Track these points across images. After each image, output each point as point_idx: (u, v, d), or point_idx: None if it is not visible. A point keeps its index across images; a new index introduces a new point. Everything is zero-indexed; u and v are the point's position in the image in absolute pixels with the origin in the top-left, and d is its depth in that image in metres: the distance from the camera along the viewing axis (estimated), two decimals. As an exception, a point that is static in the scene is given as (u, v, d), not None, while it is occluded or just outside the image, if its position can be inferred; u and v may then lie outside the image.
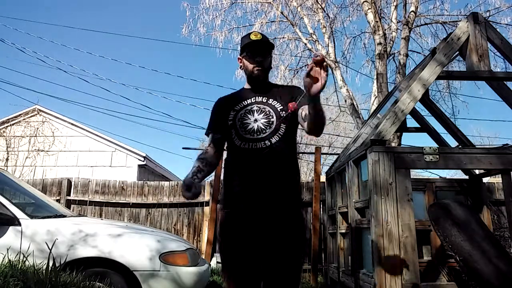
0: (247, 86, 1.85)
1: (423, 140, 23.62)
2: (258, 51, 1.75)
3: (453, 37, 3.42)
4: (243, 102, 1.76)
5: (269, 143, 1.64)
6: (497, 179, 6.13)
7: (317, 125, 1.50)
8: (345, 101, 8.15)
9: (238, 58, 1.83)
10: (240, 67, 1.83)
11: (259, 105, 1.73)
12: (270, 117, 1.69)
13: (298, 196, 1.73)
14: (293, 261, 1.62)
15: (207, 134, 1.83)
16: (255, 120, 1.69)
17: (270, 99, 1.75)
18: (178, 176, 13.61)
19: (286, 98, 1.74)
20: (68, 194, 6.10)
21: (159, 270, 2.71)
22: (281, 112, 1.70)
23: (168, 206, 6.09)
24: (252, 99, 1.76)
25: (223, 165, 1.82)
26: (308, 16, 8.99)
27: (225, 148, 1.84)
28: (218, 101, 1.86)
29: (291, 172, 1.70)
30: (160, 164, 10.93)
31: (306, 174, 17.66)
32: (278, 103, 1.73)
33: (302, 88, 1.71)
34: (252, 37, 1.75)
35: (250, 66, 1.76)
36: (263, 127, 1.67)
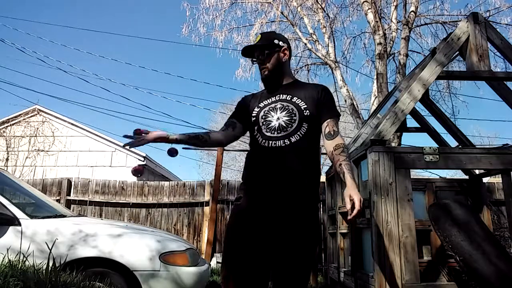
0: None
1: (423, 140, 23.64)
2: (254, 55, 1.81)
3: (453, 37, 3.42)
4: (268, 100, 1.78)
5: (288, 142, 1.63)
6: (497, 179, 6.13)
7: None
8: (345, 101, 8.15)
9: None
10: None
11: (283, 103, 1.73)
12: (293, 115, 1.69)
13: (316, 197, 1.70)
14: (305, 263, 1.59)
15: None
16: (278, 118, 1.69)
17: (295, 97, 1.74)
18: (178, 176, 13.63)
19: (312, 98, 1.74)
20: (68, 194, 6.10)
21: (159, 270, 2.71)
22: (304, 111, 1.69)
23: (168, 206, 6.09)
24: (277, 96, 1.77)
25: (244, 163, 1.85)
26: (308, 16, 8.99)
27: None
28: (244, 97, 1.91)
29: (310, 172, 1.67)
30: (160, 164, 10.94)
31: (306, 174, 17.63)
32: (303, 102, 1.72)
33: (328, 88, 1.80)
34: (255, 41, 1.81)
35: (259, 71, 1.82)
36: (284, 125, 1.67)
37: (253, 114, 1.76)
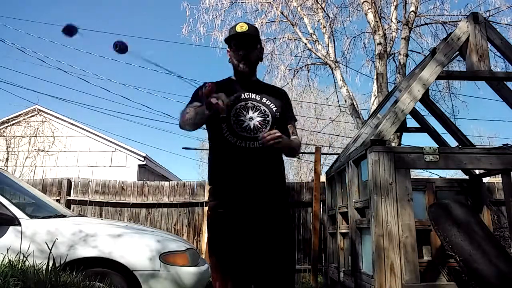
0: (233, 77, 1.80)
1: (423, 140, 23.57)
2: (242, 44, 1.70)
3: (453, 37, 3.41)
4: (237, 96, 1.71)
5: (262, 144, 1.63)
6: (497, 179, 6.13)
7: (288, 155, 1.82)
8: (345, 101, 8.15)
9: (227, 51, 1.78)
10: (229, 61, 1.79)
11: (253, 103, 1.71)
12: (266, 116, 1.68)
13: (286, 197, 1.78)
14: (285, 262, 1.60)
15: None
16: (251, 118, 1.67)
17: (264, 98, 1.73)
18: (178, 176, 13.63)
19: (279, 101, 1.77)
20: (68, 194, 6.09)
21: (159, 270, 2.71)
22: (276, 113, 1.71)
23: (168, 206, 6.09)
24: (246, 94, 1.72)
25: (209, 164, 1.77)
26: (308, 16, 8.99)
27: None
28: (203, 85, 1.75)
29: (281, 173, 1.72)
30: (160, 164, 10.93)
31: (306, 174, 17.67)
32: (272, 104, 1.73)
33: (287, 95, 1.88)
34: (238, 28, 1.69)
35: (236, 60, 1.72)
36: (259, 125, 1.65)
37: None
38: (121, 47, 1.43)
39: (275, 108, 1.72)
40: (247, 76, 1.75)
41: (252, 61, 1.73)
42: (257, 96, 1.73)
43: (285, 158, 1.84)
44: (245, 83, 1.75)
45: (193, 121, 1.60)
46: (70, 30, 1.43)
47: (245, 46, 1.70)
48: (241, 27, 1.69)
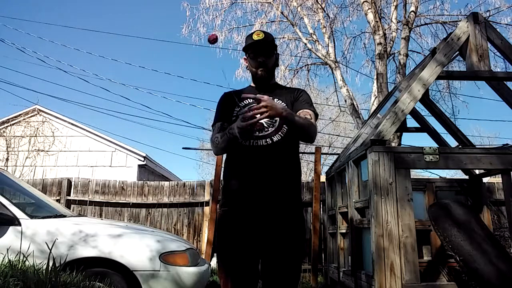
0: (253, 84, 1.87)
1: (423, 140, 23.57)
2: (260, 51, 1.75)
3: (453, 37, 3.42)
4: (248, 100, 1.77)
5: (270, 141, 1.64)
6: (497, 179, 6.13)
7: (301, 137, 1.71)
8: (345, 101, 8.15)
9: (244, 59, 1.85)
10: (246, 67, 1.86)
11: None
12: None
13: (298, 195, 1.73)
14: (292, 261, 1.61)
15: (214, 124, 1.81)
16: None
17: (275, 99, 1.75)
18: (178, 176, 13.64)
19: (290, 99, 1.78)
20: (68, 194, 6.10)
21: (159, 270, 2.71)
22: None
23: (168, 206, 6.09)
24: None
25: (223, 164, 1.83)
26: (308, 16, 8.99)
27: None
28: (224, 95, 1.88)
29: (292, 171, 1.70)
30: (160, 164, 10.93)
31: (306, 174, 17.68)
32: (283, 103, 1.74)
33: (306, 91, 1.86)
34: (254, 37, 1.75)
35: (254, 67, 1.78)
36: (265, 125, 1.67)
37: (233, 114, 1.75)
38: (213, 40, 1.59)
39: (284, 106, 1.72)
40: (265, 81, 1.80)
41: (269, 67, 1.78)
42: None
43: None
44: (262, 87, 1.80)
45: (225, 148, 1.71)
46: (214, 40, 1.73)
47: (263, 53, 1.75)
48: (258, 35, 1.74)
